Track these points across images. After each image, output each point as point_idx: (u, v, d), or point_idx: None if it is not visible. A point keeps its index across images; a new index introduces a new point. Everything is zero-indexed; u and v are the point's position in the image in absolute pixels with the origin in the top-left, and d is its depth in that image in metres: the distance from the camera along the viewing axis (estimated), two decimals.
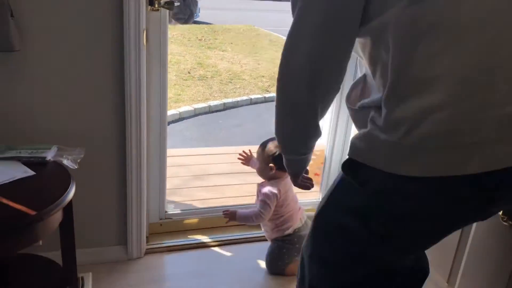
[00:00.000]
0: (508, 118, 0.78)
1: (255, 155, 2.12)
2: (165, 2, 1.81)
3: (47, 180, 1.42)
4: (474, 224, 1.45)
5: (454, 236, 1.53)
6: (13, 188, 1.33)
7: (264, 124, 5.85)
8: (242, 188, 2.74)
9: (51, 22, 1.62)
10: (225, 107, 6.13)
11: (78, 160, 1.54)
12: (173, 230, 2.23)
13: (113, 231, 1.97)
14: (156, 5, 1.81)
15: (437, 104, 0.78)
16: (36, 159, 1.49)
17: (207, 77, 7.28)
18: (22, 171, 1.42)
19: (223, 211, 2.04)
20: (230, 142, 5.10)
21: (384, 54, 0.83)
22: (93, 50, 1.69)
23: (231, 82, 7.20)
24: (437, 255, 1.63)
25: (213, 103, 6.08)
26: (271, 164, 1.96)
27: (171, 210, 2.25)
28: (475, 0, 0.77)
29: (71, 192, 1.37)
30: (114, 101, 1.78)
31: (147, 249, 2.08)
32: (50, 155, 1.52)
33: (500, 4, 0.78)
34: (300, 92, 0.91)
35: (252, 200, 2.15)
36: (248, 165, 2.18)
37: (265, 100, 6.64)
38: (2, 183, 1.34)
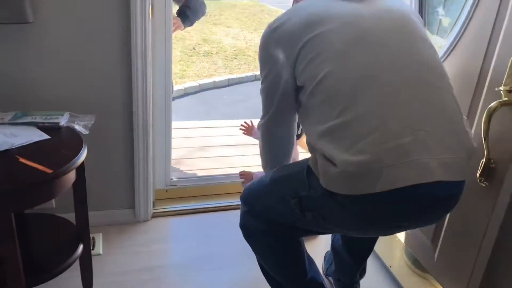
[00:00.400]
0: (401, 149, 1.08)
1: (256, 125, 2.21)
2: None
3: (61, 143, 1.53)
4: None
5: None
6: (31, 150, 1.45)
7: None
8: (244, 159, 2.86)
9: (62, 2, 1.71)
10: (230, 83, 6.22)
11: (89, 126, 1.65)
12: (178, 197, 2.36)
13: (122, 195, 2.10)
14: None
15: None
16: (50, 124, 1.61)
17: (212, 53, 7.33)
18: (38, 135, 1.54)
19: (240, 172, 2.13)
20: (234, 116, 5.20)
21: None
22: (102, 22, 1.79)
23: (236, 58, 7.26)
24: None
25: (218, 79, 6.16)
26: None
27: (176, 178, 2.37)
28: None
29: (83, 154, 1.48)
30: (121, 71, 1.88)
31: (153, 213, 2.21)
32: (63, 121, 1.63)
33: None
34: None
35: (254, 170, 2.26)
36: (250, 135, 2.27)
37: None
38: (20, 145, 1.45)
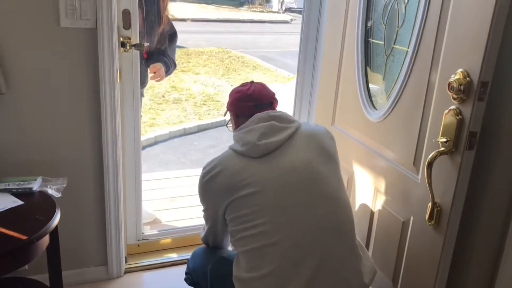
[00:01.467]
0: None
1: None
2: (134, 45, 2.03)
3: (34, 208, 1.59)
4: (409, 230, 1.69)
5: (395, 239, 1.77)
6: (4, 217, 1.51)
7: None
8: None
9: (34, 65, 1.81)
10: (200, 129, 6.33)
11: (61, 189, 1.73)
12: (150, 250, 2.41)
13: (94, 252, 2.14)
14: (128, 47, 2.02)
15: None
16: (24, 190, 1.67)
17: (181, 100, 7.47)
18: (12, 201, 1.60)
19: None
20: (205, 163, 5.30)
21: None
22: (72, 90, 1.89)
23: (205, 104, 7.41)
24: (381, 258, 1.86)
25: (187, 125, 6.27)
26: None
27: (147, 231, 2.43)
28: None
29: (57, 218, 1.55)
30: (92, 134, 1.97)
31: (126, 268, 2.25)
32: (36, 186, 1.70)
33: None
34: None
35: None
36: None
37: None
38: None
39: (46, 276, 1.87)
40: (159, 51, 2.45)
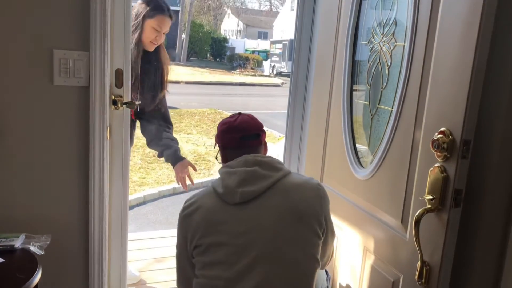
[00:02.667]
0: None
1: None
2: (126, 103, 2.07)
3: (15, 266, 1.55)
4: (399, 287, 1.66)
5: None
6: None
7: None
8: None
9: (24, 119, 1.83)
10: (190, 189, 6.31)
11: (45, 246, 1.69)
12: None
13: None
14: (119, 105, 2.06)
15: None
16: (5, 247, 1.63)
17: None
18: None
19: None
20: None
21: None
22: (62, 144, 1.90)
23: (196, 164, 7.42)
24: None
25: (177, 185, 6.25)
26: None
27: None
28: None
29: (37, 277, 1.50)
30: (79, 191, 1.96)
31: None
32: (18, 243, 1.66)
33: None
34: None
35: None
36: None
37: None
38: None
39: None
40: (155, 114, 2.49)
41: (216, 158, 1.76)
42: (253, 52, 27.69)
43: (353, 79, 1.99)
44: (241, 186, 1.47)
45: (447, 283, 1.49)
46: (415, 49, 1.58)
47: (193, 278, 1.57)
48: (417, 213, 1.48)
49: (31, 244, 1.68)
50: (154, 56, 2.46)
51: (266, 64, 24.73)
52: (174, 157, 2.47)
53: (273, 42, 26.17)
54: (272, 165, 1.55)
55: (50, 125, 1.87)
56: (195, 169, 2.55)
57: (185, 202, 1.56)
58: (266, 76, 22.79)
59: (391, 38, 1.75)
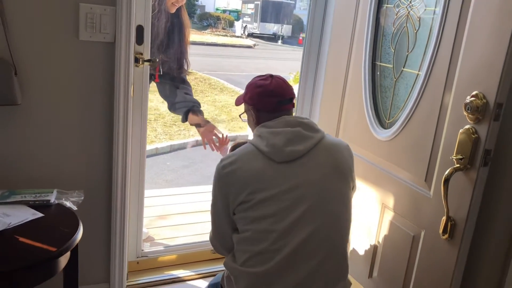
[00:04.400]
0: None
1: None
2: (148, 60, 2.05)
3: (55, 221, 1.56)
4: (420, 244, 1.77)
5: (404, 254, 1.84)
6: (28, 229, 1.47)
7: (213, 164, 6.07)
8: (207, 226, 2.93)
9: (50, 76, 1.80)
10: (172, 149, 6.30)
11: (79, 202, 1.70)
12: (149, 268, 2.38)
13: (97, 269, 2.09)
14: (140, 62, 2.04)
15: None
16: (41, 202, 1.64)
17: (150, 120, 7.40)
18: (31, 213, 1.56)
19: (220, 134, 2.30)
20: (179, 183, 5.26)
21: None
22: (87, 101, 1.88)
23: (175, 125, 7.38)
24: (388, 273, 1.93)
25: (159, 145, 6.22)
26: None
27: (147, 248, 2.40)
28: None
29: (81, 231, 1.53)
30: (103, 147, 1.96)
31: (127, 286, 2.21)
32: (52, 198, 1.67)
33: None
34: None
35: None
36: (218, 151, 2.37)
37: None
38: (16, 224, 1.48)
39: None
40: (177, 76, 2.46)
41: (241, 116, 1.79)
42: (224, 11, 27.15)
43: (375, 42, 2.03)
44: (289, 145, 1.52)
45: (470, 237, 1.61)
46: (448, 14, 1.64)
47: (231, 234, 1.63)
48: (446, 172, 1.57)
49: (64, 199, 1.69)
50: (176, 18, 2.42)
51: (237, 25, 24.35)
52: (199, 120, 2.49)
53: (244, 2, 25.70)
54: (312, 126, 1.60)
55: (75, 81, 1.84)
56: (219, 132, 2.57)
57: (223, 160, 1.58)
58: (238, 37, 22.48)
59: (421, 3, 1.79)
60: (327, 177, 1.55)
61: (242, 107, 1.76)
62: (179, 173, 5.59)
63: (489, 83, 1.49)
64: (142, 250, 2.36)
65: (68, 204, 1.67)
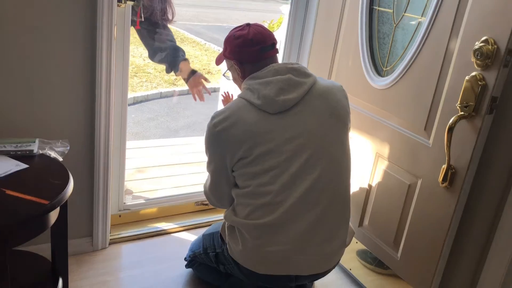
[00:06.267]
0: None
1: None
2: None
3: (42, 172, 1.44)
4: (416, 192, 1.77)
5: (398, 203, 1.84)
6: (13, 181, 1.34)
7: (177, 117, 5.92)
8: (186, 179, 2.85)
9: (26, 16, 1.61)
10: (135, 101, 6.07)
11: (66, 153, 1.57)
12: (131, 221, 2.29)
13: (79, 222, 1.99)
14: (122, 1, 1.87)
15: None
16: (23, 152, 1.50)
17: None
18: (15, 164, 1.43)
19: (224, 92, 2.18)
20: (145, 135, 5.10)
21: None
22: (65, 42, 1.71)
23: (136, 76, 7.10)
24: (380, 223, 1.93)
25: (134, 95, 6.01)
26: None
27: (129, 201, 2.31)
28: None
29: (71, 183, 1.41)
30: (84, 92, 1.81)
31: (110, 239, 2.12)
32: (36, 148, 1.53)
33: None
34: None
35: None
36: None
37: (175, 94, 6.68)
38: (0, 176, 1.35)
39: (42, 248, 1.73)
40: (159, 22, 2.27)
41: (224, 75, 1.69)
42: None
43: None
44: (280, 94, 1.45)
45: (469, 184, 1.61)
46: None
47: (228, 192, 1.57)
48: (451, 120, 1.55)
49: (47, 149, 1.56)
50: None
51: None
52: (186, 71, 2.32)
53: None
54: (303, 71, 1.53)
55: (54, 21, 1.66)
56: (207, 81, 2.43)
57: (214, 118, 1.48)
58: None
59: None
60: (324, 123, 1.50)
61: (223, 65, 1.67)
62: (144, 126, 5.42)
63: (501, 29, 1.44)
64: (124, 203, 2.27)
65: (53, 154, 1.54)
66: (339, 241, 1.55)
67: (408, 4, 1.81)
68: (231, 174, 1.53)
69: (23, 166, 1.43)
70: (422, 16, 1.74)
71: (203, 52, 9.16)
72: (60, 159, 1.55)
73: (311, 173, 1.46)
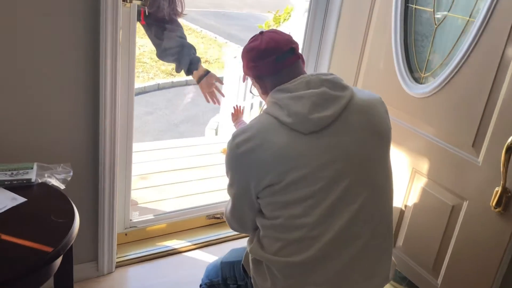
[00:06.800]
0: None
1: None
2: None
3: (42, 207, 1.23)
4: (461, 215, 1.59)
5: (439, 225, 1.66)
6: (9, 221, 1.14)
7: (177, 110, 5.70)
8: (192, 186, 2.66)
9: (18, 23, 1.39)
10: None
11: (68, 179, 1.37)
12: (138, 239, 2.10)
13: (83, 246, 1.79)
14: (128, 1, 1.65)
15: None
16: (20, 182, 1.29)
17: None
18: (11, 198, 1.22)
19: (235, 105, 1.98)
20: (144, 131, 4.90)
21: None
22: (64, 50, 1.49)
23: None
24: (417, 246, 1.75)
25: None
26: None
27: (135, 218, 2.11)
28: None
29: (77, 220, 1.21)
30: (87, 108, 1.60)
31: (117, 262, 1.93)
32: (34, 176, 1.32)
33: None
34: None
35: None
36: (234, 122, 2.11)
37: (173, 85, 6.45)
38: None
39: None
40: (166, 17, 2.03)
41: (251, 91, 1.49)
42: None
43: None
44: (315, 111, 1.24)
45: None
46: None
47: (252, 217, 1.38)
48: (510, 139, 1.36)
49: (47, 176, 1.35)
50: None
51: None
52: (198, 72, 2.09)
53: None
54: (340, 83, 1.32)
55: (51, 27, 1.44)
56: (221, 82, 2.20)
57: (236, 137, 1.27)
58: None
59: None
60: (365, 144, 1.29)
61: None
62: (143, 120, 5.22)
63: None
64: (131, 220, 2.07)
65: (53, 182, 1.33)
66: (381, 277, 1.37)
67: (452, 3, 1.60)
68: (256, 200, 1.33)
69: (21, 200, 1.23)
70: (470, 17, 1.53)
71: (200, 40, 8.90)
72: (62, 187, 1.34)
73: (352, 203, 1.27)
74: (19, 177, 1.30)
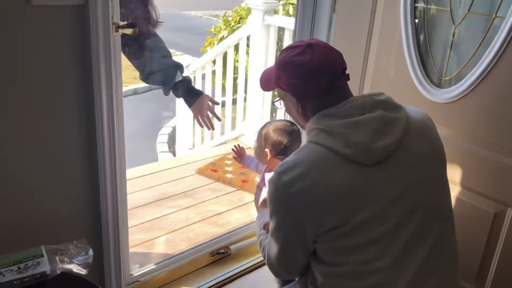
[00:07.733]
0: None
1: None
2: (126, 25, 1.42)
3: None
4: (505, 222, 1.51)
5: (481, 234, 1.58)
6: None
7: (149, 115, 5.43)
8: (178, 217, 2.43)
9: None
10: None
11: (90, 261, 1.11)
12: None
13: None
14: (114, 29, 1.39)
15: None
16: (33, 278, 1.02)
17: None
18: None
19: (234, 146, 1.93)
20: (127, 131, 4.55)
21: None
22: (48, 97, 1.23)
23: None
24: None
25: None
26: (266, 150, 1.67)
27: (137, 271, 1.85)
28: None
29: None
30: (82, 173, 1.34)
31: None
32: (47, 266, 1.06)
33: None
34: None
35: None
36: (240, 163, 1.91)
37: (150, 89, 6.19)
38: None
39: None
40: (147, 36, 1.72)
41: (274, 103, 1.30)
42: None
43: None
44: (377, 139, 1.08)
45: None
46: None
47: (304, 262, 1.21)
48: None
49: (67, 261, 1.09)
50: None
51: None
52: (188, 94, 1.82)
53: None
54: (393, 103, 1.18)
55: (30, 69, 1.18)
56: (216, 103, 1.93)
57: (283, 174, 1.09)
58: None
59: None
60: (430, 170, 1.17)
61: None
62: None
63: None
64: (131, 275, 1.81)
65: (73, 268, 1.08)
66: None
67: (473, 3, 1.49)
68: (311, 243, 1.15)
69: None
70: (496, 14, 1.44)
71: None
72: (84, 272, 1.09)
73: (426, 238, 1.13)
74: (30, 272, 1.04)
